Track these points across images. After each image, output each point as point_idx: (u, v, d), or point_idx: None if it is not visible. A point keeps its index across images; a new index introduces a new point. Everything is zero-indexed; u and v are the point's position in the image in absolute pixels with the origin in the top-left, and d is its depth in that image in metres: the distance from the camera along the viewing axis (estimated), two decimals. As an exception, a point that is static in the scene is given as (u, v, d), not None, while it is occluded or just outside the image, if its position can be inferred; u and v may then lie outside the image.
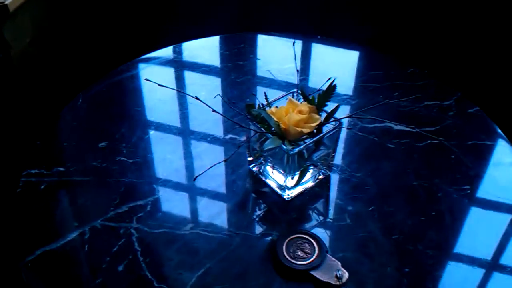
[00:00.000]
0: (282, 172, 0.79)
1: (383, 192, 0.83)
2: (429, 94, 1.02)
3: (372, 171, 0.86)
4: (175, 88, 0.88)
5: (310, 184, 0.83)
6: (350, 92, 1.03)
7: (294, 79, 1.01)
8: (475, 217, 0.80)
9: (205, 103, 0.74)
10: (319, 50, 1.17)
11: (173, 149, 0.91)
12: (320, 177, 0.84)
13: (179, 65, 1.10)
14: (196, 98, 0.75)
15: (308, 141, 0.76)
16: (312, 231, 0.76)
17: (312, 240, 0.73)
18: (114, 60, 1.15)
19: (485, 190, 0.84)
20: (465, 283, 0.73)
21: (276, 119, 0.74)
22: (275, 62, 1.09)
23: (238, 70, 1.07)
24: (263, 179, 0.84)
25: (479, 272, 0.73)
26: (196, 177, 0.80)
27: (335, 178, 0.85)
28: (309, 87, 1.03)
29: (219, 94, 0.76)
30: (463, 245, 0.76)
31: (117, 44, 1.54)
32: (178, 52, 1.13)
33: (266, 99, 0.78)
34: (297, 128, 0.73)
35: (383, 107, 0.97)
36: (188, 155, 0.89)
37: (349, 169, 0.86)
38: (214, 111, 0.73)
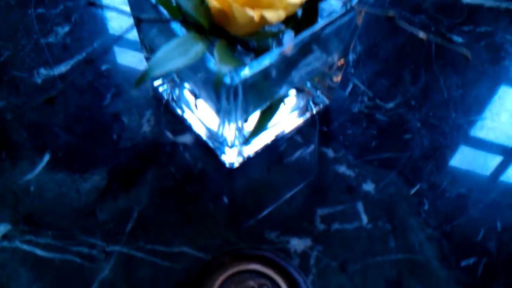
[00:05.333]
0: (214, 111, 0.34)
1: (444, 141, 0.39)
2: None
3: (420, 98, 0.41)
4: None
5: (291, 122, 0.39)
6: None
7: None
8: None
9: None
10: None
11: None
12: (308, 113, 0.39)
13: None
14: None
15: (282, 44, 0.30)
16: (284, 247, 0.34)
17: (279, 281, 0.32)
18: None
19: None
20: None
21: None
22: None
23: None
24: (180, 114, 0.39)
25: None
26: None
27: (337, 113, 0.40)
28: None
29: None
30: None
31: None
32: None
33: None
34: (250, 12, 0.26)
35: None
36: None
37: (370, 92, 0.41)
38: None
